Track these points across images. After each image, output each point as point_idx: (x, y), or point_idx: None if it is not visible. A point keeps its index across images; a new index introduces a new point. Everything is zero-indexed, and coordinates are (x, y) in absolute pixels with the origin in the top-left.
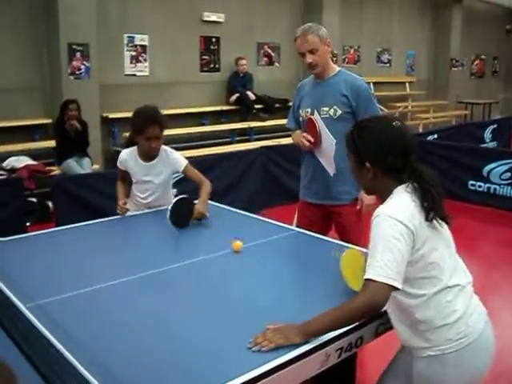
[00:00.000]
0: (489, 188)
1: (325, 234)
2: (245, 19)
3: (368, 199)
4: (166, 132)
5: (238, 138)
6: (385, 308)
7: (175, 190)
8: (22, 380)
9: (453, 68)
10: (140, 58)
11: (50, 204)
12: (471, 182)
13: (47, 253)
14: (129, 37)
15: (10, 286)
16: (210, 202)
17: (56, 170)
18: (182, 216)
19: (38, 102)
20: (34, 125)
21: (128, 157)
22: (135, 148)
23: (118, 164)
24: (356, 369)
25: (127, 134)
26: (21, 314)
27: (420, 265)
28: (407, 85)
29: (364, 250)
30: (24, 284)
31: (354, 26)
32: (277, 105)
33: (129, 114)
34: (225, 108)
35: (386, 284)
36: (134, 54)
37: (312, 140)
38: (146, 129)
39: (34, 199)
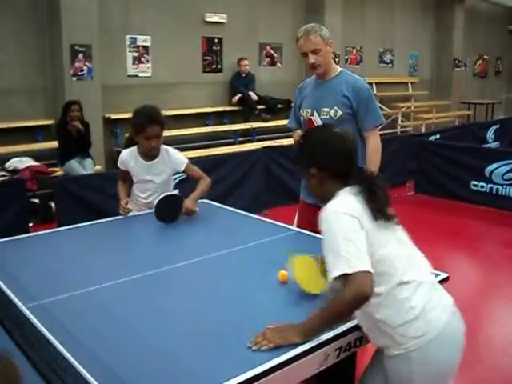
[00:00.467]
0: (491, 188)
1: None
2: (247, 20)
3: None
4: (169, 133)
5: (240, 139)
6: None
7: (177, 191)
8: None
9: (455, 68)
10: (142, 59)
11: (53, 204)
12: (473, 183)
13: (49, 253)
14: (131, 38)
15: (12, 286)
16: (214, 203)
17: (58, 171)
18: (170, 211)
19: (40, 103)
20: (37, 126)
21: (128, 156)
22: (135, 148)
23: (119, 164)
24: (356, 369)
25: (127, 135)
26: (22, 313)
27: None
28: (410, 85)
29: None
30: (26, 284)
31: (356, 26)
32: (279, 105)
33: (131, 115)
34: (227, 109)
35: (364, 271)
36: (136, 54)
37: None
38: (146, 128)
39: (36, 200)
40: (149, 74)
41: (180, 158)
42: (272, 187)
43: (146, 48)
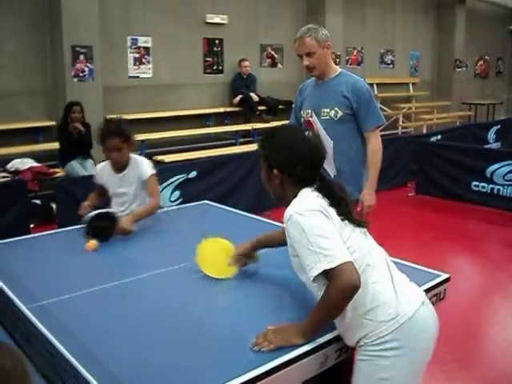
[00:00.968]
0: (492, 189)
1: None
2: (248, 21)
3: (368, 200)
4: (170, 134)
5: (241, 140)
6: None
7: (178, 193)
8: None
9: (456, 69)
10: (143, 60)
11: (54, 206)
12: (474, 183)
13: (50, 254)
14: (132, 39)
15: (13, 287)
16: (215, 204)
17: (59, 172)
18: (102, 229)
19: (41, 104)
20: (38, 127)
21: (102, 170)
22: (108, 162)
23: (94, 179)
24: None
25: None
26: (22, 314)
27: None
28: (411, 86)
29: None
30: (27, 285)
31: (357, 27)
32: (280, 106)
33: (132, 116)
34: (228, 110)
35: (345, 262)
36: (137, 55)
37: None
38: (105, 140)
39: (37, 201)
40: (150, 75)
41: (146, 167)
42: None
43: (146, 49)
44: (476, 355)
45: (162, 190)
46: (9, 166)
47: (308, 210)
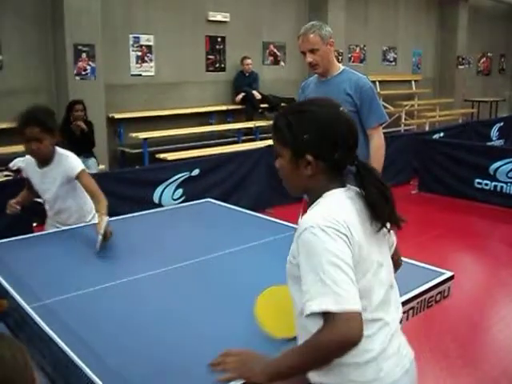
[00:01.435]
0: (495, 186)
1: None
2: (250, 19)
3: None
4: (172, 132)
5: (243, 138)
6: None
7: (181, 191)
8: None
9: (459, 66)
10: (146, 58)
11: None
12: (477, 181)
13: (53, 252)
14: (134, 37)
15: (16, 286)
16: (218, 202)
17: None
18: None
19: (43, 102)
20: None
21: (27, 164)
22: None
23: (22, 173)
24: None
25: (133, 135)
26: (26, 313)
27: None
28: (413, 83)
29: None
30: (30, 284)
31: (360, 24)
32: (282, 104)
33: (135, 115)
34: (231, 107)
35: (354, 311)
36: (139, 54)
37: None
38: (24, 130)
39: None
40: (152, 74)
41: (73, 163)
42: (276, 186)
43: (149, 47)
44: (480, 352)
45: (165, 187)
46: (11, 164)
47: (331, 227)
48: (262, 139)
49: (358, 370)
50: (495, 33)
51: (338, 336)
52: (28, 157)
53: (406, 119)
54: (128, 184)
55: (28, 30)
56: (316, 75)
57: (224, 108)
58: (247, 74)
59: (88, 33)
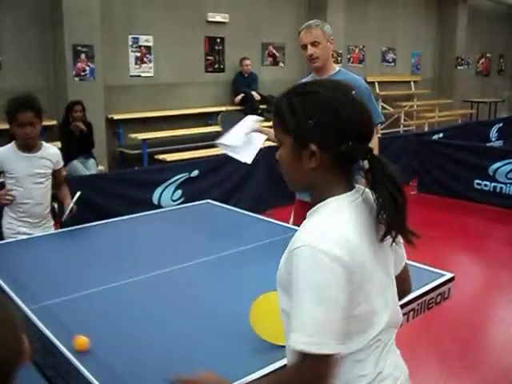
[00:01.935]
0: (495, 187)
1: None
2: (249, 19)
3: None
4: (172, 133)
5: None
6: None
7: (180, 192)
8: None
9: (458, 67)
10: (145, 59)
11: (56, 205)
12: (477, 181)
13: (52, 254)
14: (133, 38)
15: (15, 288)
16: (218, 203)
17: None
18: None
19: (42, 103)
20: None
21: (5, 154)
22: (12, 143)
23: None
24: None
25: (132, 136)
26: (25, 315)
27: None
28: (412, 84)
29: None
30: (28, 286)
31: (359, 25)
32: None
33: (134, 116)
34: (230, 108)
35: (329, 355)
36: (138, 54)
37: None
38: (18, 114)
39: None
40: (151, 74)
41: (59, 155)
42: (275, 187)
43: (148, 48)
44: (480, 354)
45: (164, 189)
46: None
47: (324, 254)
48: None
49: None
50: (494, 33)
51: (309, 379)
52: (3, 148)
53: (405, 120)
54: (127, 185)
55: (27, 31)
56: (310, 76)
57: (223, 109)
58: (246, 75)
59: (87, 33)
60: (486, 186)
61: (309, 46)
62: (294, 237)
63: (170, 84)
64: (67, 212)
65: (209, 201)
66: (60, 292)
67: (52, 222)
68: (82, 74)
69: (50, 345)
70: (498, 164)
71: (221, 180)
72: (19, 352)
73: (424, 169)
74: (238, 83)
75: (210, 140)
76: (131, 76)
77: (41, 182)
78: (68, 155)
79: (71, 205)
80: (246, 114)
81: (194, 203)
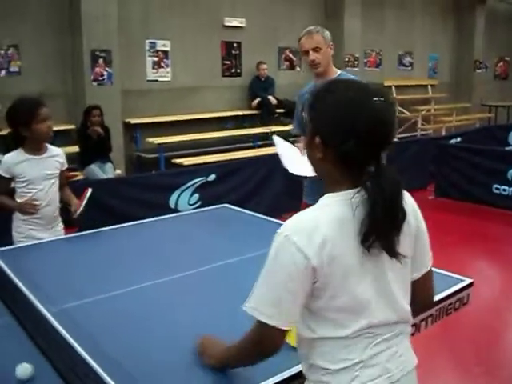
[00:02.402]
0: None
1: None
2: (266, 24)
3: None
4: (188, 137)
5: (259, 143)
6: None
7: (197, 196)
8: None
9: (476, 70)
10: (162, 64)
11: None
12: (495, 186)
13: (70, 257)
14: (150, 42)
15: (34, 291)
16: (235, 207)
17: (79, 175)
18: None
19: (61, 108)
20: (58, 130)
21: (15, 159)
22: (19, 150)
23: (3, 172)
24: None
25: (149, 140)
26: (44, 319)
27: (321, 304)
28: (429, 88)
29: None
30: (48, 289)
31: (376, 29)
32: None
33: (151, 120)
34: (247, 112)
35: (280, 329)
36: (155, 59)
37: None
38: (38, 111)
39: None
40: (168, 79)
41: (64, 155)
42: (292, 191)
43: (165, 53)
44: (499, 359)
45: (181, 193)
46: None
47: (296, 247)
48: None
49: (329, 375)
50: None
51: (261, 344)
52: (10, 155)
53: (422, 124)
54: (144, 189)
55: (46, 36)
56: (312, 82)
57: (240, 113)
58: (263, 79)
59: (105, 38)
60: (504, 190)
61: (310, 52)
62: None
63: (187, 88)
64: (81, 208)
65: (226, 205)
66: (80, 295)
67: (62, 226)
68: (100, 78)
69: (68, 347)
70: None
71: (238, 184)
72: None
73: (441, 173)
74: (254, 87)
75: (226, 144)
76: (148, 80)
77: (53, 183)
78: (86, 159)
79: (84, 201)
80: (262, 119)
81: (211, 207)
